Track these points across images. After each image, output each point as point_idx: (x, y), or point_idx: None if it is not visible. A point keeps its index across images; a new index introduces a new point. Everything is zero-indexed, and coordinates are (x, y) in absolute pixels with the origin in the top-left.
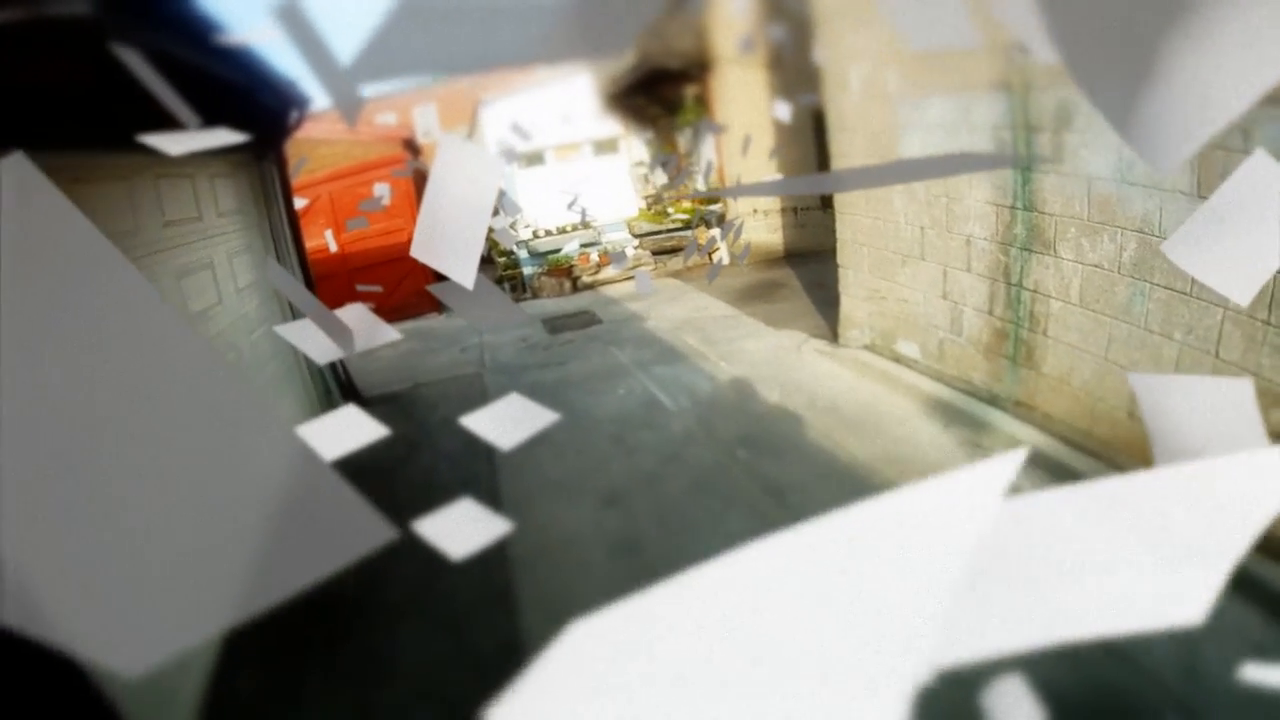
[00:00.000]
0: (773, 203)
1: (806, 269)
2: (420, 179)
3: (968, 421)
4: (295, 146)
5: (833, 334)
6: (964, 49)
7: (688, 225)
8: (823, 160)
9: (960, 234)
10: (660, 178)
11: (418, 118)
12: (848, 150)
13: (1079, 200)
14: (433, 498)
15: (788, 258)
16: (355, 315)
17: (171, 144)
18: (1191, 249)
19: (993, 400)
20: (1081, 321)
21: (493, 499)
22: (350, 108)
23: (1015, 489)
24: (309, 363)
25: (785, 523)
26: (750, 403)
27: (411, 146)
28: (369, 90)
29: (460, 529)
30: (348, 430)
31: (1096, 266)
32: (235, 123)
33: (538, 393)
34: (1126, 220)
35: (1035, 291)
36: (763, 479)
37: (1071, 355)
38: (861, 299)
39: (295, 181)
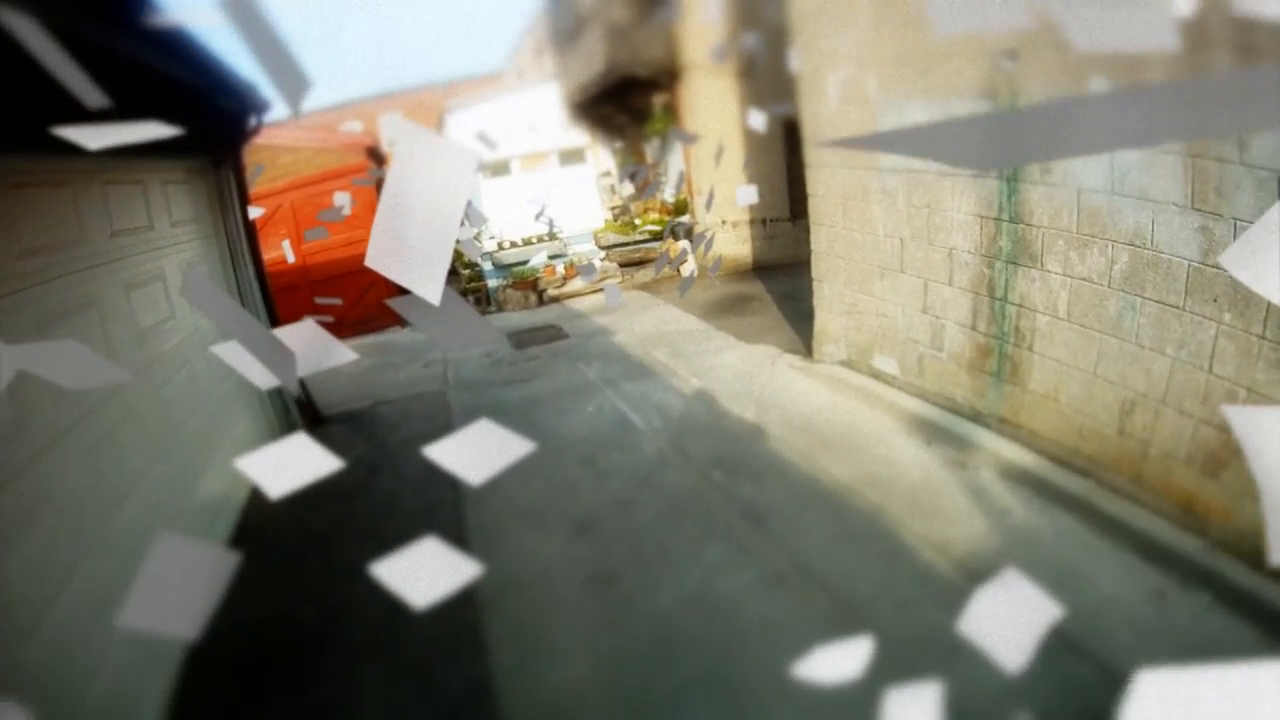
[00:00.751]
0: (741, 214)
1: (777, 281)
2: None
3: (950, 439)
4: (254, 153)
5: (807, 349)
6: (978, 37)
7: (657, 237)
8: (792, 169)
9: (942, 246)
10: (627, 188)
11: (383, 126)
12: (824, 157)
13: (1067, 212)
14: (394, 526)
15: (757, 270)
16: (306, 334)
17: (90, 138)
18: (1251, 260)
19: (976, 417)
20: (1069, 337)
21: (457, 528)
22: (294, 91)
23: (1005, 510)
24: None
25: (766, 551)
26: (724, 421)
27: (375, 155)
28: (333, 97)
29: (424, 572)
30: (297, 462)
31: (1086, 280)
32: (191, 127)
33: (503, 411)
34: (1117, 233)
35: (1021, 306)
36: (741, 503)
37: (1059, 371)
38: (837, 313)
39: (253, 190)
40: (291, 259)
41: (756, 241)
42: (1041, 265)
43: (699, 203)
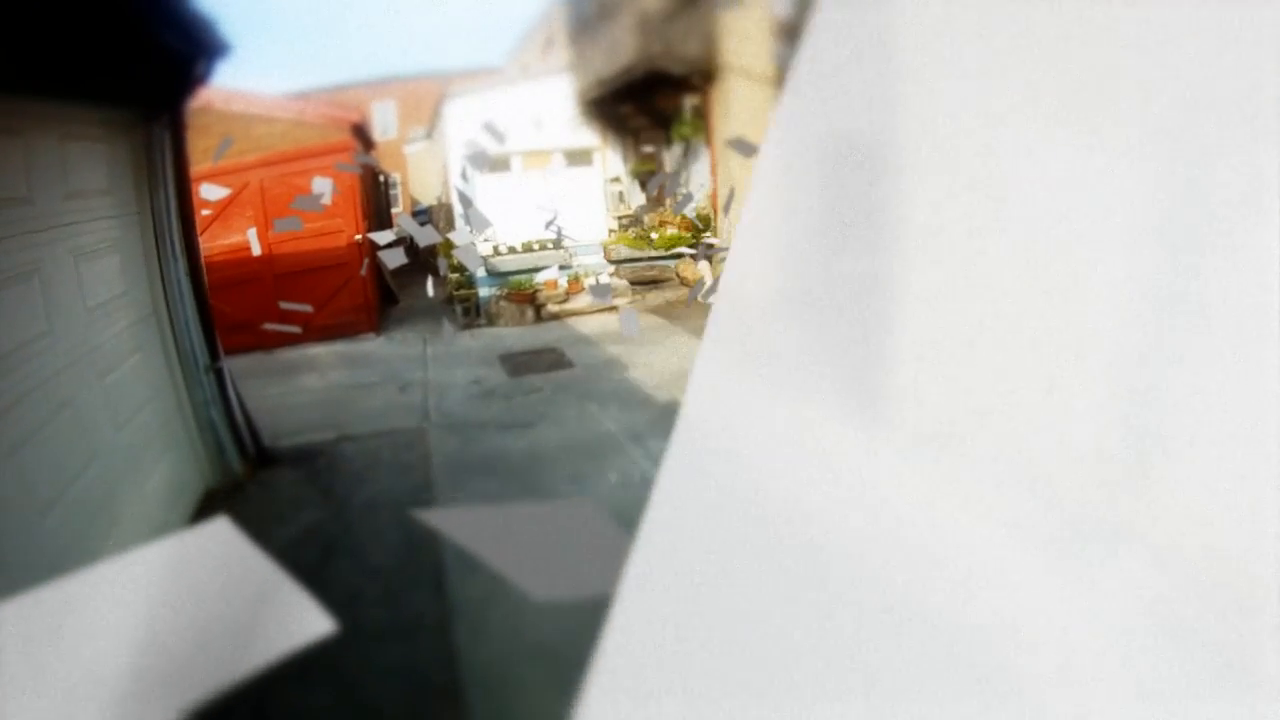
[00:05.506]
0: None
1: None
2: (370, 175)
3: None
4: (223, 123)
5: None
6: None
7: (679, 253)
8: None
9: None
10: (638, 197)
11: (376, 113)
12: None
13: None
14: (352, 656)
15: None
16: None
17: None
18: None
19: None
20: None
21: (444, 668)
22: None
23: None
24: (195, 410)
25: None
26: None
27: (363, 135)
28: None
29: None
30: None
31: None
32: (119, 60)
33: (500, 469)
34: None
35: None
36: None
37: None
38: None
39: (217, 165)
40: (258, 251)
41: None
42: None
43: (725, 221)
